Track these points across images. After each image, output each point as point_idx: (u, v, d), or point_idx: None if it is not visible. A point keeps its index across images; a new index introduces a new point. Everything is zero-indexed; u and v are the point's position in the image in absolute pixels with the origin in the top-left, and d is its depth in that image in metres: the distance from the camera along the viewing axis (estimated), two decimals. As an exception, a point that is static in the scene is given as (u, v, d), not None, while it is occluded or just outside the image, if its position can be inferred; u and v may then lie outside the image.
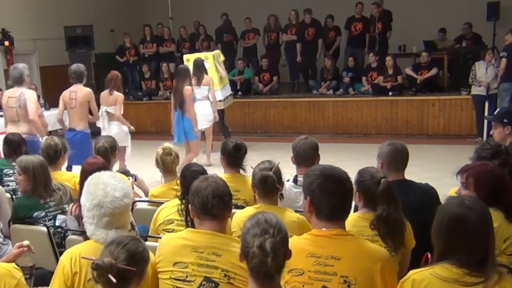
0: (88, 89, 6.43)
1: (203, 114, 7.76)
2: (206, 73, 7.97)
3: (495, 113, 4.76)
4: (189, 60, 8.48)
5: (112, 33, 13.22)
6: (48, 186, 3.62)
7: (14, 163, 4.51)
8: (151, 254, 2.44)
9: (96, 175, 2.54)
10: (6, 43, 10.66)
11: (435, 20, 11.25)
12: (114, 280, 1.92)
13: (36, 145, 5.41)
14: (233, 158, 3.91)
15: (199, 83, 7.78)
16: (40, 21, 11.42)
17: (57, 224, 3.54)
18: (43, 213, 3.55)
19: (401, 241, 2.53)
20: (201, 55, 8.69)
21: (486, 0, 10.54)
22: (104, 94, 6.76)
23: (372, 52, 10.43)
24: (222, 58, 9.00)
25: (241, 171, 3.95)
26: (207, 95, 7.89)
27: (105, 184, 2.44)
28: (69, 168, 5.96)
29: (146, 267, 2.12)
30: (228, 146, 3.93)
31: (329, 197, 2.21)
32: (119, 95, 6.67)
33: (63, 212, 3.59)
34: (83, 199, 2.50)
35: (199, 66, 7.88)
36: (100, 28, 11.89)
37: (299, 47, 11.12)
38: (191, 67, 7.81)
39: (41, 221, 3.51)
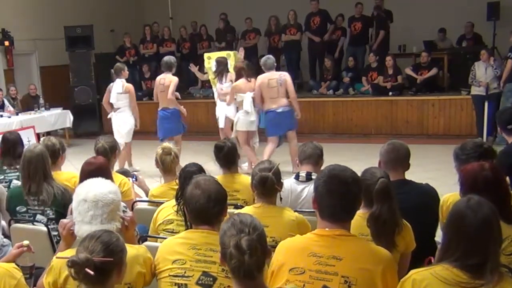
0: (174, 77, 7.65)
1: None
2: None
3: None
4: (210, 57, 8.65)
5: (112, 33, 13.20)
6: (40, 179, 3.53)
7: (5, 167, 4.37)
8: (149, 254, 2.46)
9: (84, 181, 2.59)
10: (6, 43, 10.66)
11: (435, 20, 11.24)
12: (91, 272, 1.92)
13: (292, 114, 7.32)
14: (217, 159, 3.93)
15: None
16: (40, 21, 11.41)
17: (34, 224, 3.51)
18: (24, 209, 3.53)
19: (391, 242, 2.51)
20: (223, 53, 8.83)
21: (486, 0, 10.53)
22: (242, 82, 7.41)
23: (373, 52, 10.45)
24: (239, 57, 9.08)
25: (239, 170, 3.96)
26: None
27: (89, 184, 2.49)
28: (163, 140, 7.38)
29: (123, 257, 2.11)
30: (214, 149, 3.96)
31: (330, 197, 2.20)
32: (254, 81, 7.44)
33: (43, 214, 3.53)
34: (72, 204, 2.51)
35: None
36: (100, 28, 11.88)
37: (309, 34, 11.18)
38: (213, 65, 8.17)
39: (22, 216, 3.52)
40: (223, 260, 1.93)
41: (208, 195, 2.43)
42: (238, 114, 7.50)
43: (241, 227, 1.90)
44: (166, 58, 7.90)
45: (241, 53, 8.85)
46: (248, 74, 7.47)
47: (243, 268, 1.84)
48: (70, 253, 2.36)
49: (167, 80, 7.61)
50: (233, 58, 8.67)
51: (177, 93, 7.82)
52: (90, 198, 2.41)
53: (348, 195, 2.20)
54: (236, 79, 7.62)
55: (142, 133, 11.18)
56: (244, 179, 3.83)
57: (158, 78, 7.86)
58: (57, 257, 2.34)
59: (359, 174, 2.79)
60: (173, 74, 7.73)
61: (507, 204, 2.58)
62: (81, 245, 2.05)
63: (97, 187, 2.47)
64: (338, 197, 2.19)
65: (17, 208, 3.54)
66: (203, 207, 2.41)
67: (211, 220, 2.44)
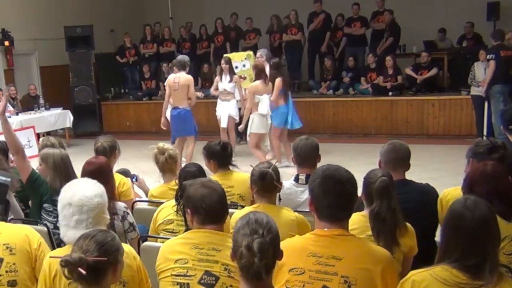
0: (189, 76, 7.59)
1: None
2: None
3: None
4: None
5: (112, 33, 13.20)
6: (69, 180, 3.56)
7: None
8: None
9: (69, 182, 2.55)
10: (6, 43, 10.66)
11: (435, 20, 11.24)
12: (83, 272, 1.91)
13: None
14: (222, 158, 3.92)
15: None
16: (40, 21, 11.41)
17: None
18: (51, 208, 3.49)
19: (392, 241, 2.51)
20: (243, 54, 8.93)
21: (486, 0, 10.53)
22: (260, 84, 7.31)
23: (372, 53, 10.45)
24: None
25: (231, 167, 3.96)
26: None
27: (75, 186, 2.45)
28: (173, 140, 7.63)
29: (118, 256, 2.09)
30: (215, 149, 3.94)
31: (327, 198, 2.20)
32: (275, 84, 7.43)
33: None
34: (58, 205, 2.47)
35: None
36: (100, 28, 11.89)
37: (308, 33, 11.24)
38: (246, 63, 8.47)
39: (46, 214, 3.47)
40: (233, 256, 1.93)
41: (218, 193, 2.44)
42: (252, 116, 7.37)
43: (255, 227, 1.89)
44: (180, 57, 7.88)
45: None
46: (267, 75, 7.39)
47: (251, 269, 1.83)
48: (63, 252, 2.37)
49: (182, 79, 7.52)
50: (253, 59, 8.66)
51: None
52: (75, 202, 2.36)
53: (344, 194, 2.21)
54: (255, 80, 7.50)
55: (141, 133, 11.27)
56: (237, 175, 3.87)
57: (172, 77, 7.76)
58: (50, 257, 2.34)
59: (359, 174, 2.80)
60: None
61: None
62: (76, 245, 2.03)
63: (83, 190, 2.41)
64: (334, 197, 2.19)
65: (45, 206, 3.48)
66: (216, 204, 2.40)
67: (220, 219, 2.44)
